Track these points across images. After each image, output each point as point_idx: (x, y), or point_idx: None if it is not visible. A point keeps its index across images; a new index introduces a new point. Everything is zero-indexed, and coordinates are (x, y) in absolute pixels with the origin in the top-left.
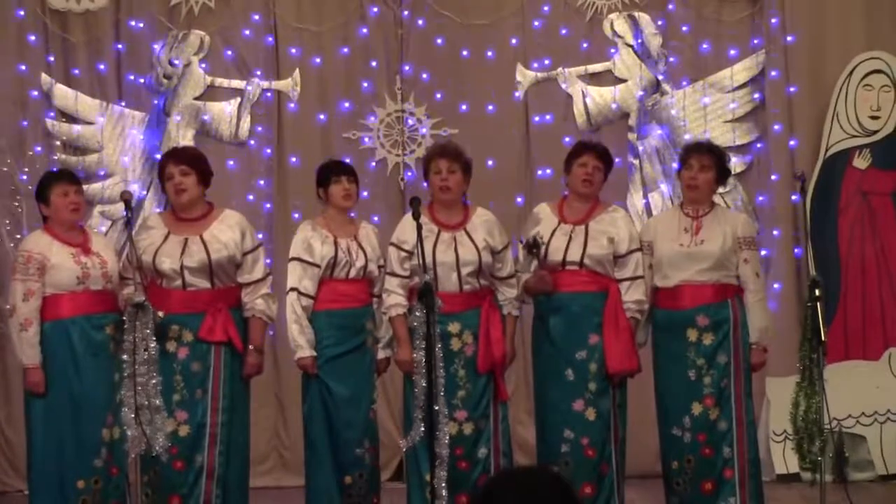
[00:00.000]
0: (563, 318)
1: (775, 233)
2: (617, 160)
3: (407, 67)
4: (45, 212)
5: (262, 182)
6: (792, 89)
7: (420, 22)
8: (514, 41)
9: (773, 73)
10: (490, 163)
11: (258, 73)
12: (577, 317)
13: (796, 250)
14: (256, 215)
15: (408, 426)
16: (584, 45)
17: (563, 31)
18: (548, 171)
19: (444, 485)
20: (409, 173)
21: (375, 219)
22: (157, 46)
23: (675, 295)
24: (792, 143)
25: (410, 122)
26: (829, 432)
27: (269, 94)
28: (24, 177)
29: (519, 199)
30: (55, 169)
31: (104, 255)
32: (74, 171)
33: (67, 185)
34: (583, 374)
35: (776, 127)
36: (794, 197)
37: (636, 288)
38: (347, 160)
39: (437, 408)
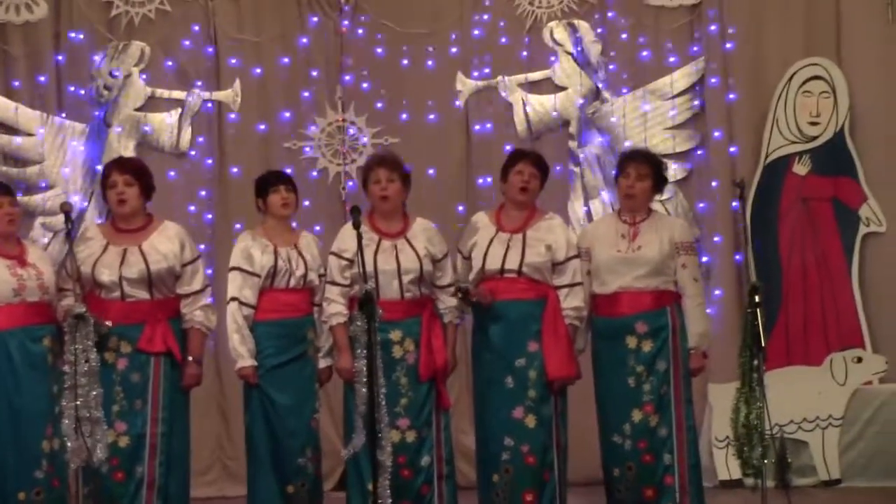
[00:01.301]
0: (503, 325)
1: (716, 239)
2: (557, 168)
3: (347, 77)
4: None
5: (203, 193)
6: (732, 96)
7: (360, 31)
8: (453, 50)
9: (713, 81)
10: (431, 171)
11: (199, 83)
12: (515, 324)
13: (737, 257)
14: (198, 226)
15: (349, 435)
16: (524, 53)
17: (503, 40)
18: (488, 179)
19: (388, 493)
20: (351, 183)
21: (317, 228)
22: (97, 58)
23: (613, 302)
24: (732, 149)
25: (351, 131)
26: (770, 438)
27: (209, 105)
28: None
29: (460, 208)
30: None
31: (40, 267)
32: (9, 183)
33: (1, 197)
34: (522, 381)
35: (716, 134)
36: (734, 204)
37: (575, 295)
38: (289, 170)
39: (378, 416)
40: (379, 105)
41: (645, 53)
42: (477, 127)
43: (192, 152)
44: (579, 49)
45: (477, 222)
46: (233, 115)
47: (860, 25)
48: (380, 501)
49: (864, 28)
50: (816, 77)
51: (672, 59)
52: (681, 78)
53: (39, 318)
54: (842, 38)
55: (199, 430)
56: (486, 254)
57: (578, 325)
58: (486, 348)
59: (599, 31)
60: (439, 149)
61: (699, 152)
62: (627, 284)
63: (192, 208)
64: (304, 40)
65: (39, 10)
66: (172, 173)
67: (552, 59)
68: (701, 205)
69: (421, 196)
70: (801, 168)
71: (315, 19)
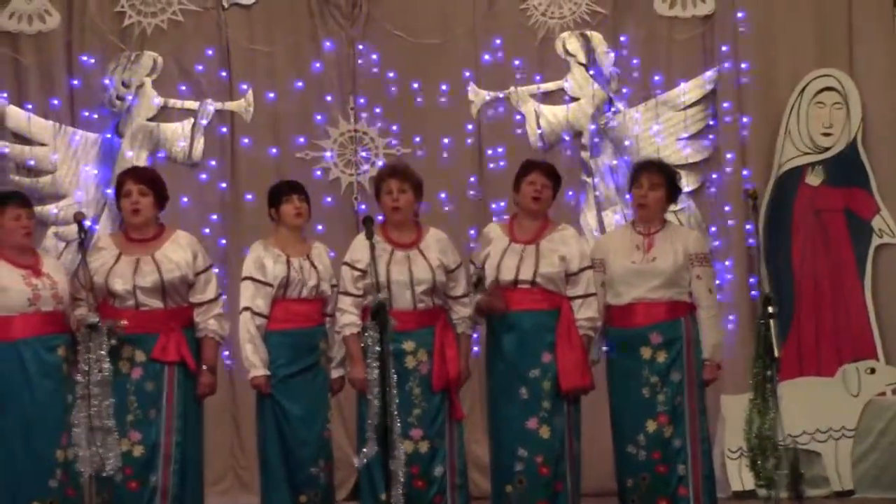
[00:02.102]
0: (516, 336)
1: (728, 263)
2: (570, 179)
3: (361, 100)
4: None
5: (215, 217)
6: (745, 120)
7: (374, 52)
8: (466, 60)
9: (725, 105)
10: (443, 196)
11: (211, 93)
12: (529, 335)
13: (751, 280)
14: (212, 250)
15: (362, 445)
16: (537, 64)
17: (515, 51)
18: (501, 204)
19: (402, 503)
20: (363, 193)
21: (327, 237)
22: (107, 81)
23: (628, 313)
24: (745, 173)
25: (364, 141)
26: (783, 449)
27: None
28: None
29: (472, 232)
30: (6, 190)
31: (55, 277)
32: (27, 194)
33: (19, 209)
34: (536, 392)
35: (729, 156)
36: (747, 226)
37: (588, 305)
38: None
39: (391, 426)
40: (391, 119)
41: (657, 65)
42: (490, 152)
43: (203, 175)
44: (592, 60)
45: (489, 233)
46: (246, 140)
47: (872, 36)
48: None
49: (876, 39)
50: (829, 88)
51: (684, 71)
52: (693, 89)
53: (54, 328)
54: (854, 49)
55: (212, 439)
56: (499, 265)
57: (592, 336)
58: (500, 359)
59: (611, 41)
60: (452, 172)
61: (713, 176)
62: (642, 295)
63: (207, 231)
64: (318, 65)
65: (52, 20)
66: (185, 199)
67: (564, 69)
68: (713, 228)
69: (434, 218)
70: (813, 179)
71: (327, 29)
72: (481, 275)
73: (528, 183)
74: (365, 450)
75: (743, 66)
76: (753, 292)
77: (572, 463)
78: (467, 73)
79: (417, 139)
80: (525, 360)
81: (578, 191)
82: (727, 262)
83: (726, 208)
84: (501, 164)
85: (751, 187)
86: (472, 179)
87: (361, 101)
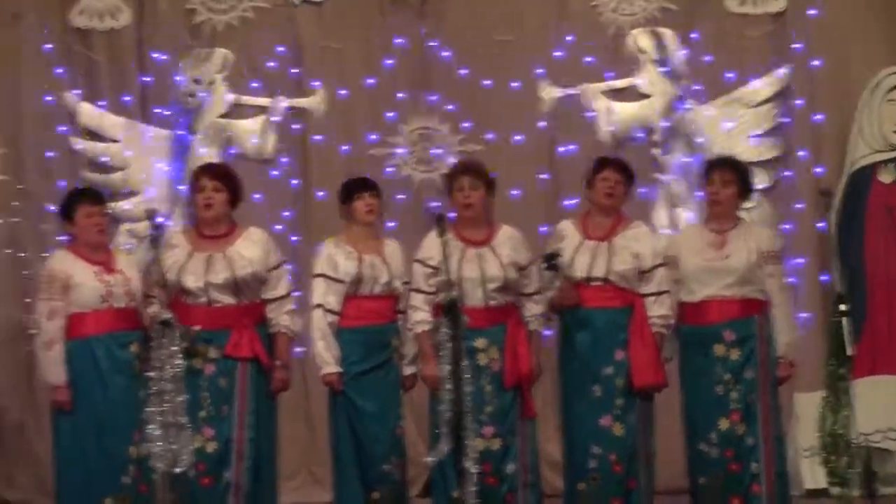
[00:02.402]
0: (589, 333)
1: (800, 261)
2: (641, 176)
3: (433, 97)
4: (70, 230)
5: (287, 213)
6: (818, 117)
7: (445, 49)
8: (537, 57)
9: (798, 103)
10: (515, 193)
11: (283, 90)
12: (602, 333)
13: (822, 278)
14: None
15: (435, 443)
16: (608, 60)
17: (587, 47)
18: (573, 202)
19: (476, 500)
20: (435, 190)
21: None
22: (179, 78)
23: (701, 310)
24: (818, 170)
25: (436, 138)
26: (856, 447)
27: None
28: (49, 196)
29: (543, 230)
30: (80, 186)
31: (128, 273)
32: (100, 190)
33: (92, 206)
34: (609, 389)
35: (801, 153)
36: (819, 224)
37: (661, 303)
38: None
39: (463, 423)
40: (463, 116)
41: (729, 61)
42: (562, 149)
43: (275, 172)
44: (663, 57)
45: (563, 230)
46: (318, 137)
47: None
48: None
49: None
50: None
51: (756, 68)
52: (764, 87)
53: (126, 325)
54: None
55: (285, 435)
56: (572, 262)
57: (665, 333)
58: (573, 357)
59: (683, 38)
60: (523, 169)
61: (786, 174)
62: (715, 293)
63: (279, 227)
64: (389, 61)
65: (123, 17)
66: (258, 196)
67: (636, 66)
68: (786, 226)
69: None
70: (885, 176)
71: (399, 40)
72: (557, 253)
73: (602, 179)
74: (437, 447)
75: (815, 63)
76: (826, 285)
77: (646, 461)
78: (539, 70)
79: (489, 136)
80: (598, 357)
81: (650, 188)
82: (800, 260)
83: (798, 206)
84: (573, 160)
85: (824, 185)
86: (543, 176)
87: (433, 97)
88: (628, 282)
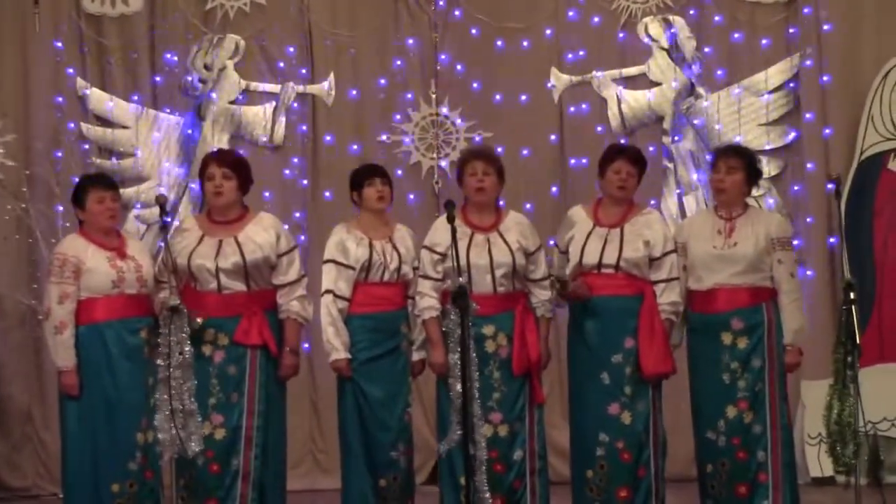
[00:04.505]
0: (599, 321)
1: (808, 220)
2: (651, 164)
3: (439, 65)
4: (81, 216)
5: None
6: (826, 78)
7: (457, 13)
8: (547, 44)
9: (808, 63)
10: (525, 152)
11: (293, 77)
12: (612, 320)
13: (830, 240)
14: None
15: (443, 429)
16: (619, 48)
17: (597, 35)
18: (582, 160)
19: (485, 487)
20: (444, 177)
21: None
22: (190, 64)
23: (709, 298)
24: (826, 131)
25: (445, 125)
26: (863, 435)
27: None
28: (59, 181)
29: (553, 189)
30: (92, 172)
31: (139, 259)
32: (110, 176)
33: (104, 192)
34: (618, 377)
35: (808, 116)
36: (829, 186)
37: (671, 290)
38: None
39: (471, 410)
40: (472, 99)
41: (740, 49)
42: (572, 109)
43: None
44: (674, 44)
45: (573, 216)
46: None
47: None
48: (478, 496)
49: None
50: None
51: (767, 56)
52: (776, 74)
53: (137, 311)
54: None
55: (291, 423)
56: (583, 248)
57: (674, 320)
58: (582, 344)
59: (694, 26)
60: (532, 131)
61: (792, 135)
62: (723, 281)
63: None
64: (400, 50)
65: (135, 2)
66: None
67: (647, 54)
68: (796, 187)
69: (514, 178)
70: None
71: (410, 28)
72: (565, 280)
73: (614, 171)
74: (448, 434)
75: (825, 51)
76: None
77: (656, 449)
78: (550, 58)
79: (498, 97)
80: (607, 345)
81: (660, 176)
82: (809, 248)
83: (808, 166)
84: (582, 120)
85: (834, 173)
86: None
87: (442, 83)
88: (639, 269)
